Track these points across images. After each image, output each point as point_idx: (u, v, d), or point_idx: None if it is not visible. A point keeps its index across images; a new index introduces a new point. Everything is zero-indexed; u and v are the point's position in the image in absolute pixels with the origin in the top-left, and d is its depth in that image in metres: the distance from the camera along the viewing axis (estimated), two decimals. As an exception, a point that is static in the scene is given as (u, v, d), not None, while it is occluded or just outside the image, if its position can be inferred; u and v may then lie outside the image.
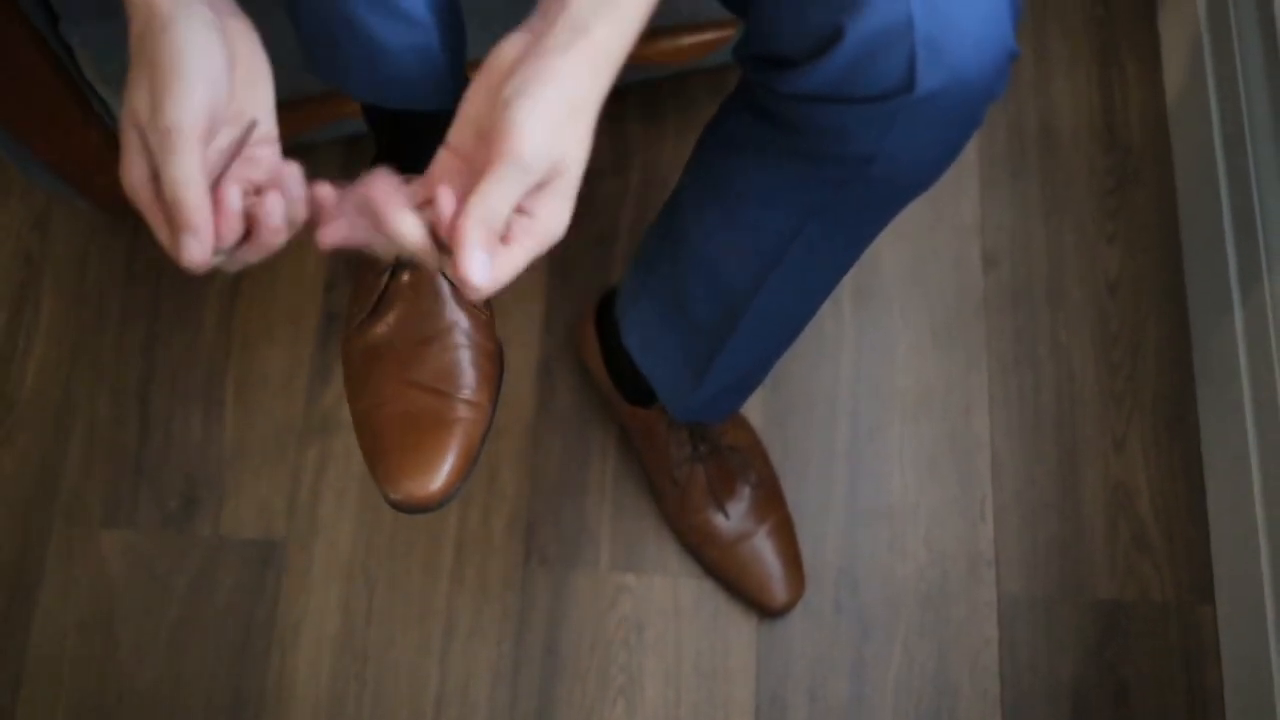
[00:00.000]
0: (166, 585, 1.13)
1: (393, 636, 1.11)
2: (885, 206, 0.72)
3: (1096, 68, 1.29)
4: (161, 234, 0.52)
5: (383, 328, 0.71)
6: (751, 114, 0.69)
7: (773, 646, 1.10)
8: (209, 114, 0.51)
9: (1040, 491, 1.15)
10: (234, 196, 0.51)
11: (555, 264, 1.20)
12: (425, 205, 0.52)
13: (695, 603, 1.11)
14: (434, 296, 0.71)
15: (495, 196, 0.50)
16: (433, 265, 0.53)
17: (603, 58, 0.52)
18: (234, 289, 1.21)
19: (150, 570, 1.13)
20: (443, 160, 0.54)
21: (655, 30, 1.05)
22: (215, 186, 0.52)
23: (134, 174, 0.52)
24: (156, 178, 0.51)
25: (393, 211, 0.51)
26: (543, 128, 0.50)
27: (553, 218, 0.53)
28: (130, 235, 1.23)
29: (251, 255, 0.54)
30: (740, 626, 1.11)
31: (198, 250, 0.50)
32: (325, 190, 0.53)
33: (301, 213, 0.54)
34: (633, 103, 1.25)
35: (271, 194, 0.52)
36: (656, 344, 0.95)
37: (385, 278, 0.71)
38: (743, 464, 1.09)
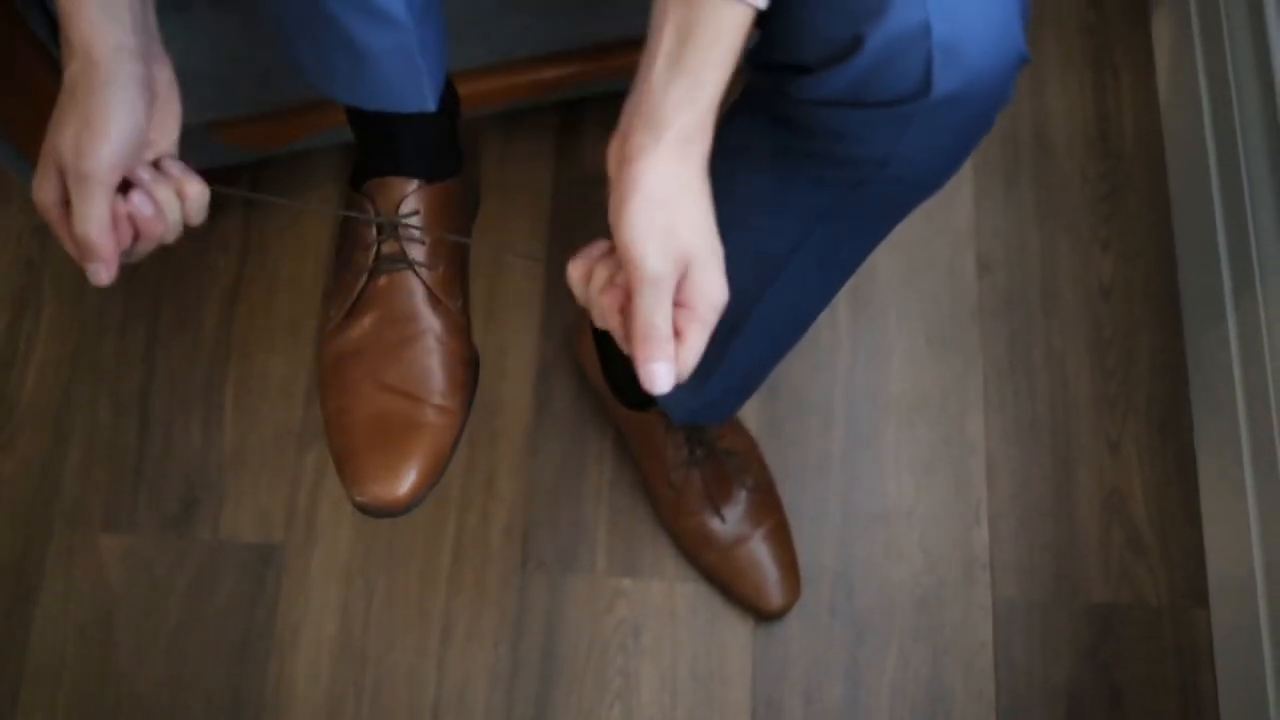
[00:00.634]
0: (166, 589, 1.13)
1: (391, 640, 1.11)
2: (893, 210, 0.72)
3: (1090, 75, 1.29)
4: (66, 246, 0.61)
5: (358, 330, 0.72)
6: (763, 119, 0.69)
7: (769, 650, 1.11)
8: (124, 164, 0.59)
9: (1035, 496, 1.15)
10: (115, 210, 0.60)
11: (553, 269, 1.21)
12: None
13: (691, 606, 1.12)
14: (409, 301, 0.71)
15: (644, 314, 0.54)
16: None
17: (686, 143, 0.55)
18: (234, 295, 1.22)
19: (150, 574, 1.14)
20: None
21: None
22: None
23: (46, 195, 0.60)
24: (67, 202, 0.60)
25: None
26: (648, 238, 0.54)
27: (708, 295, 0.57)
28: (130, 241, 1.24)
29: (145, 247, 0.63)
30: (736, 630, 1.11)
31: (105, 275, 0.60)
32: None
33: (200, 215, 0.63)
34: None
35: (135, 192, 0.60)
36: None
37: (363, 280, 0.71)
38: (739, 468, 1.10)
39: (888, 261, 1.22)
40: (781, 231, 0.73)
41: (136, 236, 0.62)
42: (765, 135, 0.69)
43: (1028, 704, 1.09)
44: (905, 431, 1.17)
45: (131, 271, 1.23)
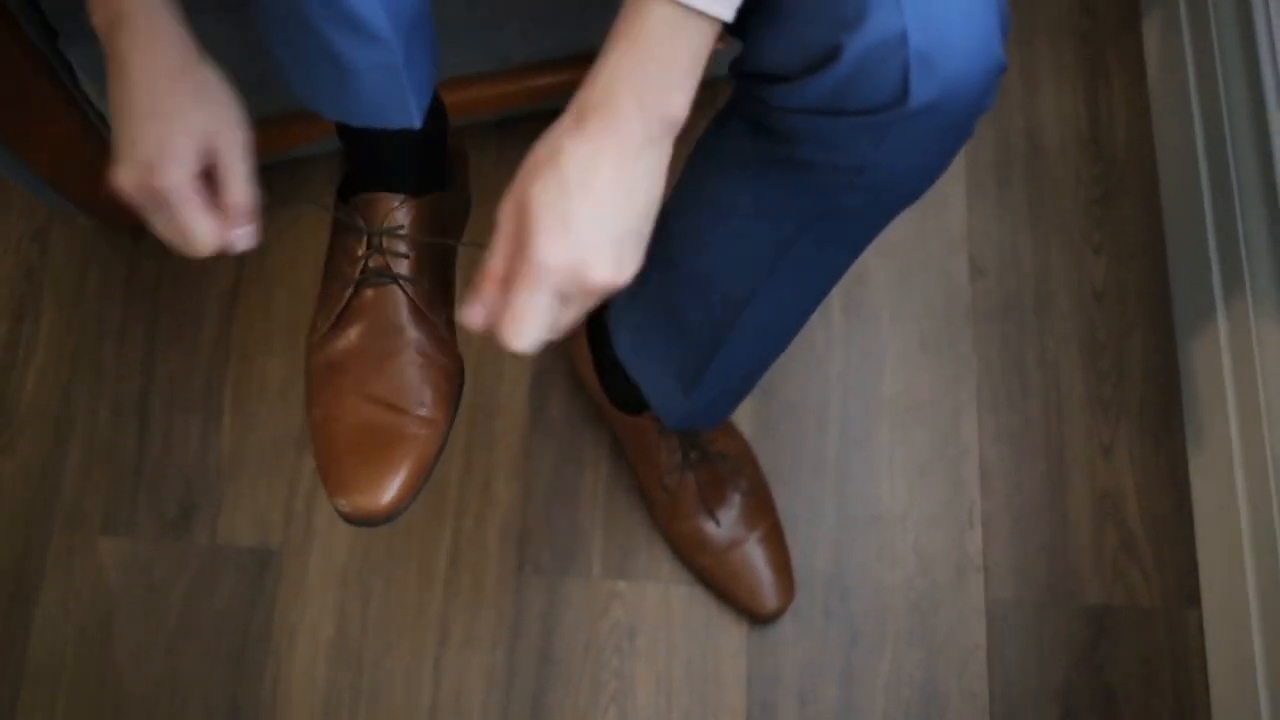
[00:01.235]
0: (164, 592, 1.14)
1: (388, 644, 1.12)
2: (876, 216, 0.73)
3: (1083, 80, 1.30)
4: (193, 223, 0.62)
5: (344, 341, 0.72)
6: (745, 126, 0.70)
7: (763, 653, 1.11)
8: (201, 164, 0.62)
9: (1028, 498, 1.16)
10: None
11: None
12: None
13: (687, 609, 1.12)
14: (395, 313, 0.72)
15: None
16: None
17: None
18: (232, 298, 1.23)
19: (148, 577, 1.14)
20: None
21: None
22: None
23: (177, 176, 0.62)
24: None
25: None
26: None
27: (532, 255, 0.58)
28: (129, 248, 1.25)
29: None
30: (731, 633, 1.12)
31: (254, 236, 0.64)
32: None
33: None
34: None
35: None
36: (647, 352, 0.97)
37: (349, 292, 0.72)
38: (733, 471, 1.10)
39: (881, 265, 1.23)
40: (766, 237, 0.74)
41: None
42: (748, 143, 0.70)
43: (1021, 706, 1.10)
44: (899, 434, 1.18)
45: (130, 276, 1.24)
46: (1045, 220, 1.25)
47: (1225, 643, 1.08)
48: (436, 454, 0.71)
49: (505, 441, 1.17)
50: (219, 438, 1.18)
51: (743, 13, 0.65)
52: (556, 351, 1.20)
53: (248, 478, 1.17)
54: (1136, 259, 1.24)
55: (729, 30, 0.70)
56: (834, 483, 1.16)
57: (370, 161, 0.68)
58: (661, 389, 0.98)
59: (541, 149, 0.58)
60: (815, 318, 1.19)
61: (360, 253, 0.71)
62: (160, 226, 0.63)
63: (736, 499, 1.10)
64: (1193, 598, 1.12)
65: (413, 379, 0.72)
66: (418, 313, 0.72)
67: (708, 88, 1.23)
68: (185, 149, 0.61)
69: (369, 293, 0.72)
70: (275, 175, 1.25)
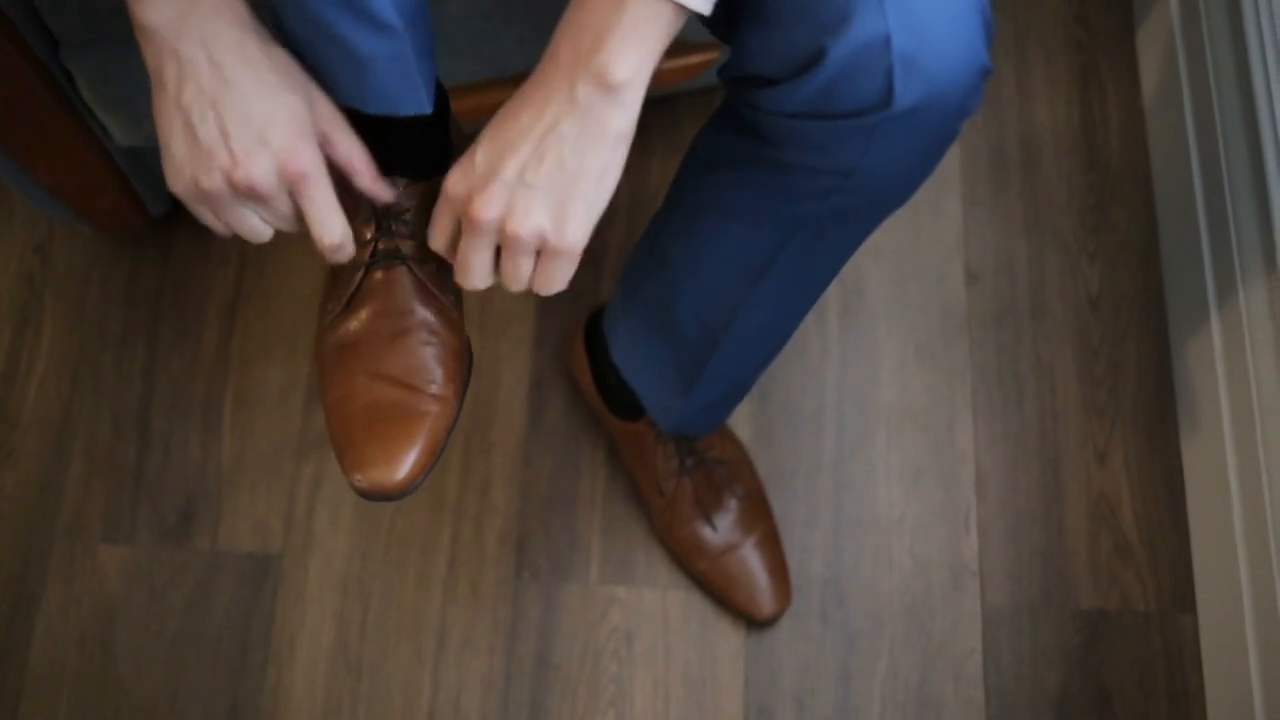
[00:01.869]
0: (165, 599, 1.14)
1: (386, 649, 1.13)
2: (866, 219, 0.74)
3: (1077, 88, 1.31)
4: (322, 204, 0.65)
5: (355, 323, 0.74)
6: (735, 130, 0.71)
7: (760, 657, 1.12)
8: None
9: (1024, 503, 1.16)
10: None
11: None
12: None
13: (684, 614, 1.13)
14: (405, 295, 0.73)
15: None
16: None
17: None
18: (232, 308, 1.24)
19: (149, 584, 1.15)
20: None
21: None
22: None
23: (309, 159, 0.64)
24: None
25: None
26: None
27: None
28: (130, 257, 1.26)
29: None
30: (728, 637, 1.12)
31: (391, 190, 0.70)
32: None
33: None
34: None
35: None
36: (643, 358, 0.97)
37: (360, 275, 0.73)
38: (730, 476, 1.11)
39: (877, 271, 1.24)
40: (758, 241, 0.74)
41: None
42: (738, 146, 0.71)
43: (1017, 710, 1.10)
44: (895, 439, 1.18)
45: (131, 286, 1.25)
46: (1040, 227, 1.26)
47: (1220, 647, 1.08)
48: (448, 431, 0.72)
49: (503, 448, 1.18)
50: (219, 446, 1.19)
51: (730, 19, 0.66)
52: (553, 358, 1.20)
53: (247, 485, 1.18)
54: (1131, 265, 1.24)
55: (717, 35, 0.71)
56: (830, 487, 1.17)
57: (376, 145, 0.69)
58: (657, 394, 0.99)
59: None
60: (811, 324, 1.19)
61: (369, 236, 0.72)
62: (270, 216, 0.65)
63: (733, 504, 1.10)
64: (1188, 602, 1.13)
65: (424, 357, 0.73)
66: (426, 292, 0.73)
67: (703, 94, 1.25)
68: (307, 125, 0.64)
69: (378, 275, 0.73)
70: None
